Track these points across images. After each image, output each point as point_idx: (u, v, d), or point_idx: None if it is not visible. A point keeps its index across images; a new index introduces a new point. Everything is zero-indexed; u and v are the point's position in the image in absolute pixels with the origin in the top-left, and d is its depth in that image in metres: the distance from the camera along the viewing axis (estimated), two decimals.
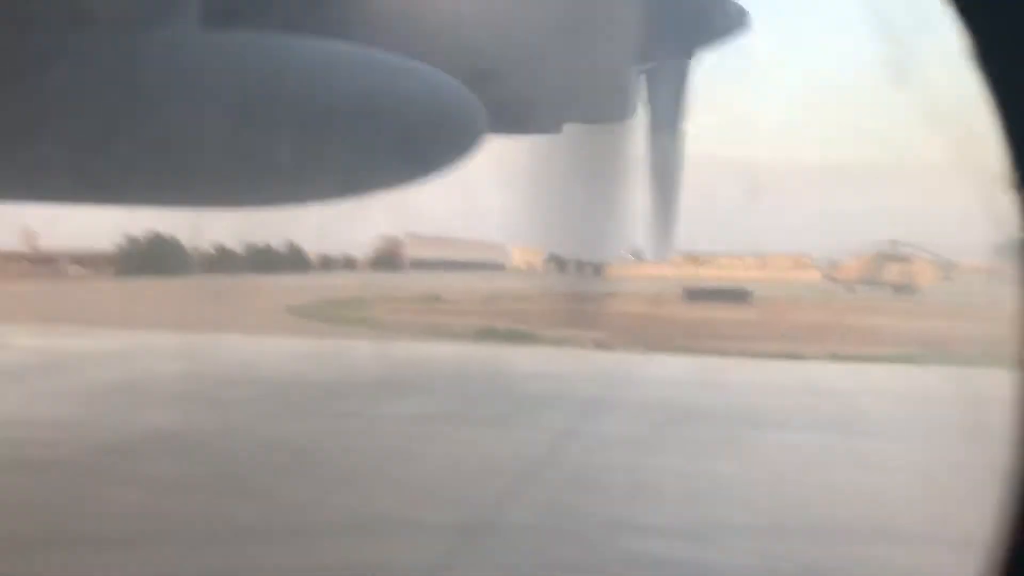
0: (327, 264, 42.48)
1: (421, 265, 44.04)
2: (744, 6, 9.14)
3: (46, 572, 5.93)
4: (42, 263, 35.33)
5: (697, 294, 33.29)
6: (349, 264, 43.90)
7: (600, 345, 20.07)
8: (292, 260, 38.28)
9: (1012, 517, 1.59)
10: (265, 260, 35.68)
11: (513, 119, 8.72)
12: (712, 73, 10.64)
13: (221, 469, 8.88)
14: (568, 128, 9.42)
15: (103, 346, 17.72)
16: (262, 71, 6.99)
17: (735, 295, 32.92)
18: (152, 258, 31.20)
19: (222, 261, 33.01)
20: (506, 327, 22.91)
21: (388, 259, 44.31)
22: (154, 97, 6.82)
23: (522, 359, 18.06)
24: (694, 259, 42.58)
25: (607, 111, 9.23)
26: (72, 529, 6.79)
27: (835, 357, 18.92)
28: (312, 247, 40.03)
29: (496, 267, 46.09)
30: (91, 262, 34.72)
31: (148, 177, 7.36)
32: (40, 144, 6.63)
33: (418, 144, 7.58)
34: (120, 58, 6.59)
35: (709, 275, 39.76)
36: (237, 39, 7.10)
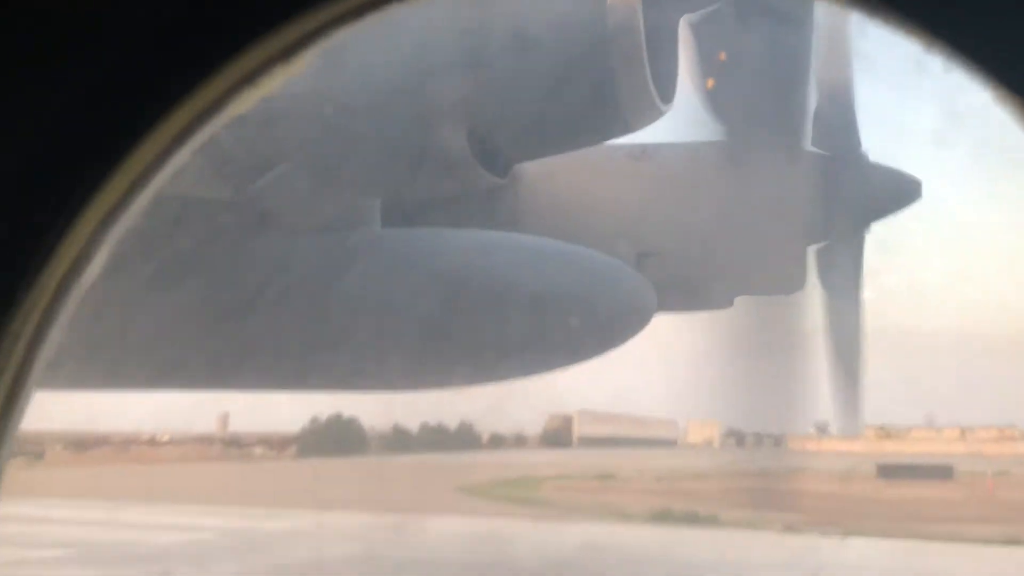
0: (498, 442, 42.75)
1: (592, 442, 43.47)
2: (917, 178, 8.92)
3: None
4: (232, 445, 37.58)
5: (893, 470, 30.76)
6: (520, 441, 43.99)
7: (789, 528, 18.71)
8: (464, 438, 38.82)
9: None
10: (439, 439, 36.36)
11: (681, 297, 8.68)
12: (888, 243, 10.31)
13: None
14: (742, 300, 9.27)
15: (284, 526, 18.28)
16: (435, 260, 7.38)
17: (936, 471, 30.18)
18: (332, 439, 32.49)
19: (398, 440, 33.91)
20: (683, 508, 21.88)
21: (559, 436, 44.09)
22: (342, 292, 7.31)
23: (703, 543, 17.06)
24: (886, 432, 39.77)
25: (779, 285, 9.05)
26: None
27: None
28: (483, 425, 40.56)
29: (669, 443, 44.79)
30: (276, 444, 36.60)
31: (335, 366, 7.77)
32: (242, 338, 7.20)
33: (590, 325, 7.65)
34: (314, 258, 7.17)
35: (904, 450, 36.88)
36: (413, 235, 7.59)
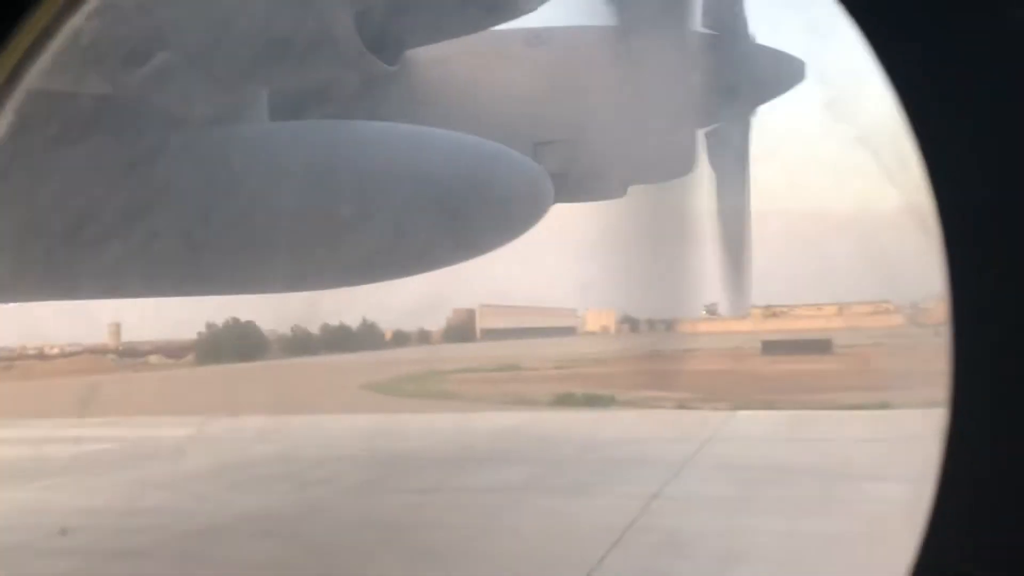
0: (401, 339, 42.98)
1: (494, 335, 44.22)
2: (802, 59, 9.14)
3: None
4: (126, 355, 36.60)
5: (776, 346, 32.55)
6: (423, 338, 44.35)
7: (681, 405, 19.72)
8: (367, 337, 38.85)
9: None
10: (340, 339, 36.29)
11: (578, 187, 8.79)
12: (773, 125, 10.60)
13: (310, 549, 8.92)
14: (633, 189, 9.45)
15: (187, 433, 18.13)
16: (326, 153, 7.23)
17: (816, 346, 32.08)
18: (231, 344, 32.04)
19: (299, 343, 33.68)
20: (584, 392, 22.72)
21: (462, 330, 44.63)
22: (230, 186, 7.10)
23: (603, 423, 17.84)
24: (771, 312, 41.77)
25: (670, 171, 9.25)
26: None
27: (927, 404, 18.16)
28: (385, 323, 40.61)
29: (568, 332, 45.99)
30: (173, 351, 35.83)
31: (227, 264, 7.62)
32: (130, 239, 6.95)
33: (487, 217, 7.70)
34: (203, 152, 6.92)
35: (787, 327, 38.91)
36: (302, 127, 7.39)
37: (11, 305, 9.66)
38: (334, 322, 36.05)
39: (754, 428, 16.78)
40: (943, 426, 1.73)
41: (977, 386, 1.64)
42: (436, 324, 45.21)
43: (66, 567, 8.36)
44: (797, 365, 27.67)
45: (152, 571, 8.27)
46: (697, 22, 8.45)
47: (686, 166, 9.17)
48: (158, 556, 8.76)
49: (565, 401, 21.90)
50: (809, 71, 9.03)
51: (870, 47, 1.37)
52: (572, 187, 8.67)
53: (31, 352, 35.25)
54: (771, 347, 32.62)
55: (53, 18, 1.20)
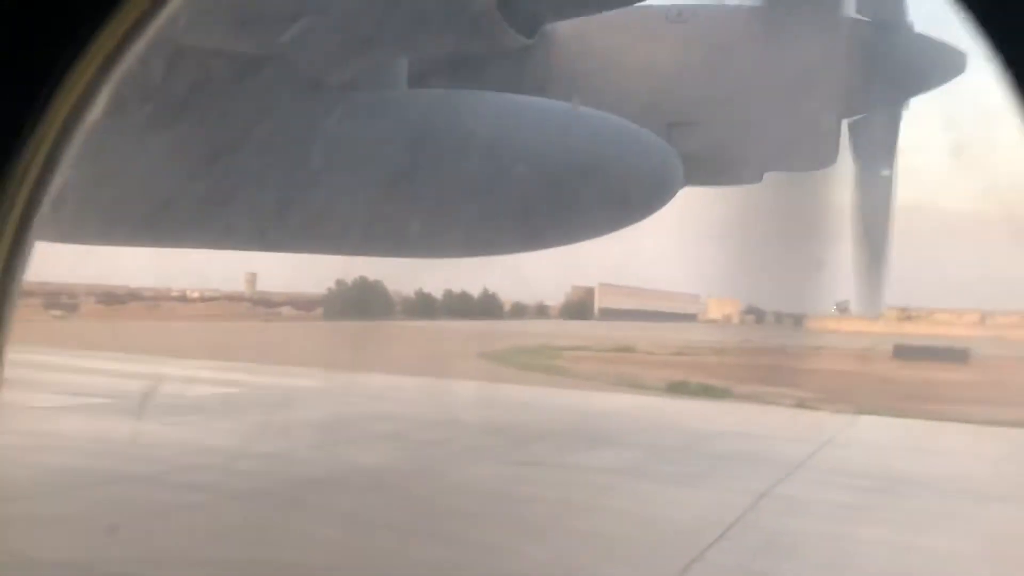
0: (519, 311, 43.33)
1: (613, 315, 43.95)
2: (965, 50, 8.53)
3: None
4: (260, 304, 38.41)
5: (909, 351, 30.98)
6: (541, 312, 44.57)
7: (801, 404, 19.07)
8: (487, 306, 39.36)
9: None
10: (462, 306, 36.89)
11: (711, 170, 8.54)
12: (929, 119, 9.98)
13: (416, 509, 9.14)
14: (770, 177, 9.11)
15: (310, 384, 18.87)
16: (460, 123, 7.26)
17: (952, 354, 30.37)
18: (358, 302, 33.07)
19: (422, 306, 34.46)
20: (700, 381, 22.29)
21: (580, 308, 44.57)
22: (365, 150, 7.25)
23: (716, 415, 17.47)
24: (906, 314, 39.80)
25: (809, 160, 8.85)
26: (275, 557, 7.18)
27: None
28: (506, 294, 41.01)
29: (689, 318, 45.20)
30: (303, 304, 37.36)
31: (355, 226, 7.80)
32: (268, 197, 7.21)
33: (614, 196, 7.57)
34: (340, 117, 7.07)
35: (923, 332, 36.98)
36: (445, 96, 7.44)
37: (157, 250, 10.22)
38: (456, 289, 36.69)
39: (877, 434, 16.06)
40: None
41: None
42: (555, 300, 45.35)
43: (185, 501, 8.85)
44: (930, 372, 26.30)
45: (263, 514, 8.66)
46: (851, 7, 8.01)
47: (828, 156, 8.76)
48: (270, 500, 9.17)
49: (679, 389, 21.56)
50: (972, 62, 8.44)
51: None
52: (706, 170, 8.42)
53: (174, 295, 37.50)
54: (903, 351, 31.07)
55: None
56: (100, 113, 1.27)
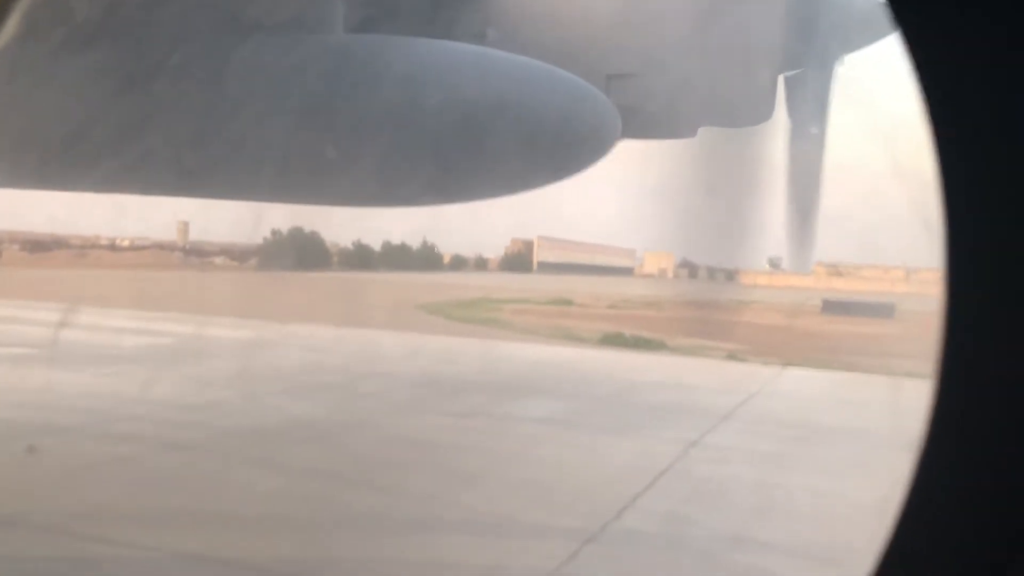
0: (459, 264, 43.27)
1: (550, 268, 44.21)
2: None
3: (183, 546, 6.25)
4: (192, 254, 37.61)
5: (837, 306, 31.92)
6: (480, 264, 44.59)
7: (732, 356, 19.54)
8: (425, 258, 39.17)
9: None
10: (400, 258, 36.67)
11: (647, 123, 8.58)
12: (858, 77, 10.15)
13: (350, 459, 9.16)
14: (703, 132, 9.20)
15: (245, 335, 18.64)
16: (397, 72, 7.14)
17: (878, 309, 31.39)
18: (294, 252, 32.63)
19: (360, 258, 34.16)
20: (634, 334, 22.65)
21: (519, 261, 44.69)
22: (299, 97, 7.09)
23: (649, 367, 17.81)
24: (836, 270, 40.89)
25: (745, 116, 8.96)
26: (209, 508, 7.15)
27: None
28: (444, 246, 40.87)
29: (625, 272, 45.74)
30: (237, 255, 36.69)
31: (291, 173, 7.66)
32: (197, 143, 7.01)
33: (551, 147, 7.57)
34: (272, 60, 6.89)
35: (851, 287, 38.06)
36: (375, 41, 7.30)
37: (86, 196, 9.88)
38: (395, 241, 36.40)
39: (804, 386, 16.58)
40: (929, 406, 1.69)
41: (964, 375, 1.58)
42: (495, 253, 45.37)
43: (117, 453, 8.73)
44: (857, 327, 27.15)
45: (199, 466, 8.59)
46: None
47: (763, 112, 8.88)
48: (205, 452, 9.09)
49: (614, 341, 21.89)
50: None
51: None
52: (642, 123, 8.46)
53: (103, 243, 36.43)
54: (832, 306, 32.01)
55: None
56: (7, 38, 1.22)
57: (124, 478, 7.98)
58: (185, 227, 37.06)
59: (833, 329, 26.65)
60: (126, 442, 9.10)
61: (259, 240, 34.51)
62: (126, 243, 37.22)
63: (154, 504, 7.20)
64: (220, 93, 6.82)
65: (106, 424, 9.89)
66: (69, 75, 6.17)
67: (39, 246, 34.14)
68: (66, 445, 8.93)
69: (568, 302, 31.90)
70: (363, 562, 6.35)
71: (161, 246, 37.14)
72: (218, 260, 37.69)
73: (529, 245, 45.29)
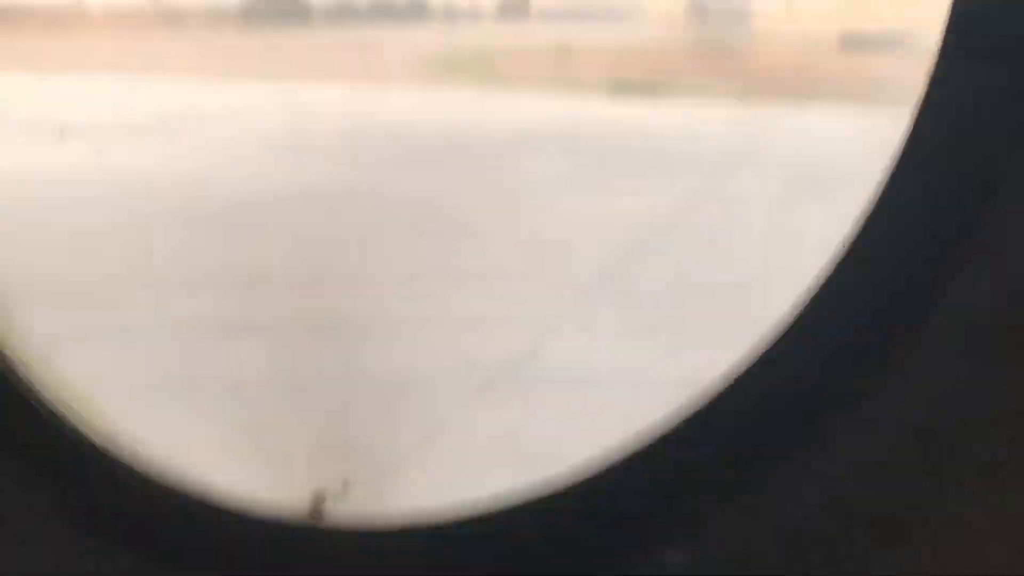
0: (451, 14, 41.14)
1: (549, 15, 42.03)
2: None
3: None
4: (166, 15, 35.57)
5: (856, 41, 30.42)
6: (474, 13, 42.40)
7: (743, 97, 18.75)
8: (414, 9, 37.13)
9: None
10: (387, 10, 34.74)
11: None
12: None
13: (355, 223, 8.95)
14: None
15: (238, 101, 17.84)
16: None
17: (895, 41, 29.93)
18: (275, 10, 30.80)
19: (345, 12, 32.29)
20: (640, 78, 21.69)
21: (514, 7, 42.41)
22: None
23: (657, 113, 17.15)
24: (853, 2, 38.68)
25: None
26: (218, 274, 6.99)
27: None
28: None
29: (630, 16, 43.53)
30: (217, 14, 34.65)
31: None
32: None
33: None
34: None
35: (871, 19, 36.16)
36: None
37: None
38: None
39: (814, 125, 15.99)
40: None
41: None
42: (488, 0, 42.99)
43: (125, 224, 8.46)
44: (877, 62, 25.98)
45: (204, 236, 8.38)
46: None
47: None
48: (208, 223, 8.84)
49: (620, 87, 20.96)
50: None
51: None
52: None
53: (72, 6, 34.39)
54: (851, 41, 30.50)
55: None
56: None
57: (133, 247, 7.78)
58: None
59: (852, 64, 25.51)
60: (130, 215, 8.83)
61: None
62: (98, 8, 35.14)
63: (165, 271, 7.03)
64: None
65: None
66: None
67: (4, 12, 32.25)
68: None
69: (569, 49, 30.45)
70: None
71: (135, 7, 35.07)
72: (195, 20, 35.73)
73: None
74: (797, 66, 24.54)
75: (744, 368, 1.99)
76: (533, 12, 44.43)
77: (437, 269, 7.37)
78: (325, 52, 26.04)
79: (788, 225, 8.87)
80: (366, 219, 9.06)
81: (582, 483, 2.03)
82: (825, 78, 22.97)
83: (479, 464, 5.34)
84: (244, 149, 12.75)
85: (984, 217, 1.58)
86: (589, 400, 5.77)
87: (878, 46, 29.90)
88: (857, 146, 13.56)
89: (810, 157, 12.65)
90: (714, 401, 1.98)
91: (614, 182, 10.82)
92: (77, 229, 8.33)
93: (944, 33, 1.65)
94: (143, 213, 9.08)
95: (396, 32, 33.08)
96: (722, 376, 1.99)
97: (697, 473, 1.97)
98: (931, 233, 1.68)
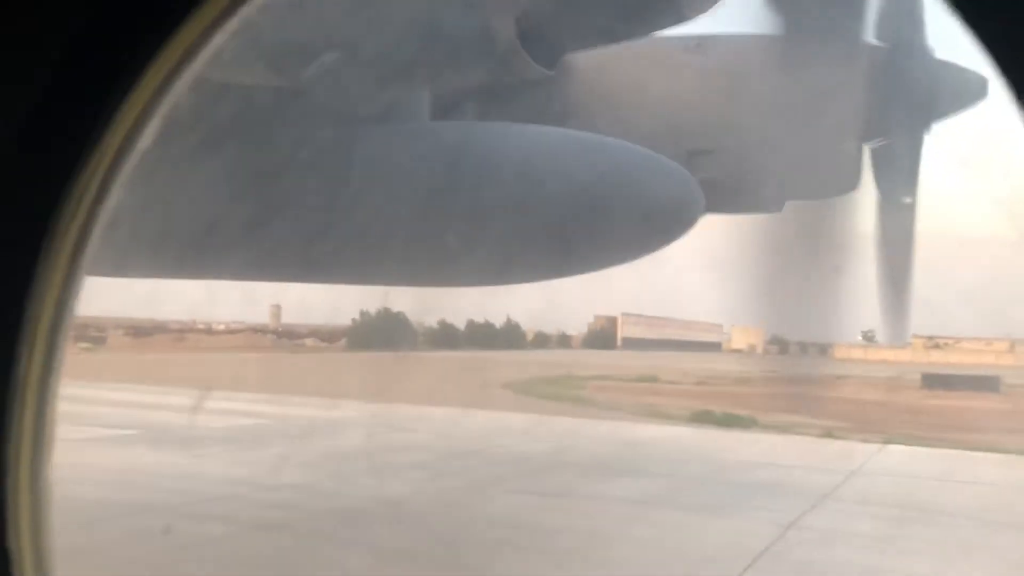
0: (542, 341, 43.27)
1: (636, 344, 43.78)
2: (985, 74, 8.51)
3: None
4: (284, 336, 38.65)
5: (937, 380, 30.57)
6: (563, 342, 44.49)
7: (828, 433, 18.85)
8: (509, 337, 39.35)
9: None
10: (484, 336, 36.93)
11: (734, 197, 8.57)
12: (947, 146, 9.96)
13: (440, 540, 9.12)
14: (792, 204, 9.12)
15: (335, 416, 18.90)
16: (479, 154, 7.35)
17: (982, 382, 29.92)
18: (381, 333, 33.19)
19: (445, 337, 34.51)
20: (724, 411, 22.11)
21: (602, 337, 44.45)
22: (389, 183, 7.35)
23: (741, 445, 17.31)
24: (934, 343, 39.31)
25: (832, 187, 8.87)
26: None
27: None
28: (529, 324, 41.03)
29: (712, 348, 44.93)
30: (327, 336, 37.54)
31: (378, 257, 7.89)
32: (290, 229, 7.32)
33: (635, 223, 7.62)
34: (363, 149, 7.19)
35: (951, 361, 36.49)
36: (458, 128, 7.56)
37: (183, 283, 10.36)
38: (479, 319, 36.76)
39: (906, 464, 15.83)
40: None
41: None
42: (578, 329, 45.27)
43: (209, 532, 8.90)
44: (960, 402, 25.91)
45: (287, 545, 8.68)
46: (870, 33, 8.05)
47: (849, 183, 8.76)
48: (294, 532, 9.19)
49: (703, 418, 21.39)
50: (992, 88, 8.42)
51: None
52: (727, 198, 8.45)
53: (200, 327, 37.81)
54: (932, 380, 30.65)
55: (227, 7, 1.26)
56: (148, 143, 1.33)
57: (217, 557, 8.12)
58: (278, 310, 38.27)
59: (935, 404, 25.49)
60: (221, 522, 9.29)
61: (348, 322, 35.34)
62: (221, 327, 38.56)
63: None
64: (331, 186, 7.15)
65: (203, 504, 10.13)
66: (204, 173, 6.60)
67: (141, 331, 35.67)
68: (164, 524, 9.16)
69: (654, 379, 31.44)
70: None
71: (255, 329, 38.34)
72: (309, 342, 38.64)
73: (613, 321, 45.06)
74: (881, 402, 24.71)
75: None
76: (619, 341, 46.05)
77: None
78: (426, 373, 27.62)
79: (887, 566, 8.73)
80: (453, 535, 9.28)
81: None
82: (910, 414, 22.98)
83: None
84: (342, 462, 13.44)
85: None
86: None
87: (961, 385, 29.70)
88: (945, 485, 13.37)
89: (899, 494, 12.51)
90: None
91: (702, 510, 10.89)
92: None
93: None
94: (238, 519, 9.60)
95: (491, 355, 34.97)
96: None
97: None
98: None
